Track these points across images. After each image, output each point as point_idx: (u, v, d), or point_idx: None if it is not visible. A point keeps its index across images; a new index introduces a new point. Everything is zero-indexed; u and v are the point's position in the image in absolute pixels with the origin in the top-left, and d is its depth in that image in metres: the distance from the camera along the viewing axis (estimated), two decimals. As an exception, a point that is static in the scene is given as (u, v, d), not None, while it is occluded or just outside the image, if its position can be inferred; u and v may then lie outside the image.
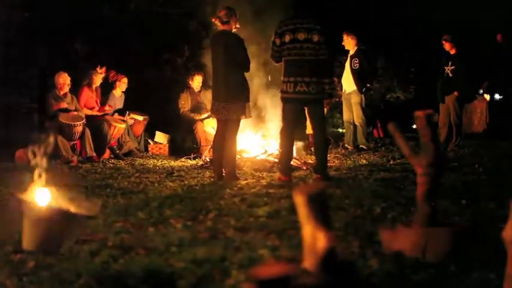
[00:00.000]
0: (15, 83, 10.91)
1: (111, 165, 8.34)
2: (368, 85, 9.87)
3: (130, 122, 10.11)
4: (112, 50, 12.07)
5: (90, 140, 8.87)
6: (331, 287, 2.08)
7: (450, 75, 9.45)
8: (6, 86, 10.42)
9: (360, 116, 9.72)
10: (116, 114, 9.88)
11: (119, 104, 10.18)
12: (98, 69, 9.63)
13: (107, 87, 10.10)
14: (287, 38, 6.09)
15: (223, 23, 6.41)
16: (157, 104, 12.38)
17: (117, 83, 10.08)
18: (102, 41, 12.04)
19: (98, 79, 9.59)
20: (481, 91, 11.63)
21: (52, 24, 11.24)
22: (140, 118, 10.30)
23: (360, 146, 9.74)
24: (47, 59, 11.37)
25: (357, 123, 9.83)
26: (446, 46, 9.57)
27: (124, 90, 10.22)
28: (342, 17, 12.46)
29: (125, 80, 10.16)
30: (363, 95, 9.73)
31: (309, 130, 9.75)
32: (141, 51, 12.83)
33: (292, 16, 6.27)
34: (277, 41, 6.17)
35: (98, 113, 9.50)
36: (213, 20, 6.53)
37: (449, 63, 9.48)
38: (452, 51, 9.51)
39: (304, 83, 6.02)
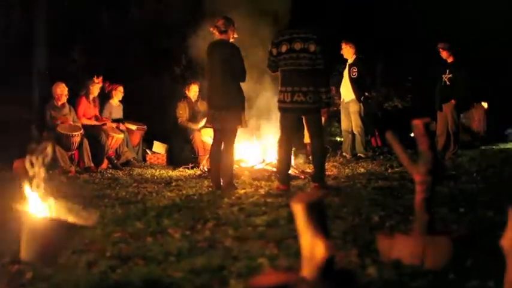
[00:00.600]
0: (14, 93, 10.91)
1: (109, 175, 8.33)
2: (366, 94, 9.87)
3: (123, 128, 10.09)
4: (110, 59, 12.11)
5: (88, 150, 8.88)
6: (329, 296, 2.08)
7: (448, 83, 9.47)
8: (5, 96, 10.42)
9: (359, 124, 9.74)
10: (110, 121, 9.86)
11: (118, 114, 10.18)
12: (95, 79, 9.62)
13: (104, 98, 10.10)
14: (284, 48, 6.10)
15: (221, 32, 6.43)
16: (155, 113, 12.39)
17: (113, 92, 10.09)
18: (101, 50, 12.08)
19: (95, 89, 9.60)
20: None
21: (51, 33, 11.27)
22: (133, 127, 10.30)
23: (358, 154, 9.75)
24: (46, 69, 11.38)
25: (355, 132, 9.85)
26: (443, 54, 9.59)
27: (120, 99, 10.22)
28: (340, 26, 12.50)
29: (121, 88, 10.17)
30: (361, 104, 9.75)
31: (307, 139, 9.76)
32: (139, 60, 12.86)
33: (289, 26, 6.29)
34: (274, 51, 6.19)
35: (97, 123, 9.50)
36: (211, 29, 6.54)
37: (447, 71, 9.50)
38: (450, 59, 9.54)
39: (302, 92, 6.03)
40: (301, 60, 6.07)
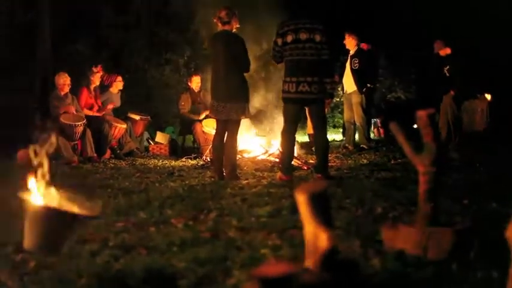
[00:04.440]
0: (17, 83, 10.93)
1: (112, 165, 8.34)
2: (369, 85, 9.82)
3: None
4: (113, 51, 12.11)
5: (91, 140, 8.88)
6: (333, 286, 2.07)
7: (447, 74, 9.49)
8: (8, 85, 10.44)
9: (361, 115, 9.73)
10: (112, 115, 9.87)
11: (116, 101, 10.16)
12: (94, 68, 9.60)
13: (103, 89, 10.08)
14: (289, 38, 6.08)
15: (224, 23, 6.42)
16: (158, 104, 12.39)
17: (114, 83, 10.07)
18: (104, 42, 12.08)
19: (96, 79, 9.58)
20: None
21: (54, 25, 11.26)
22: (137, 117, 10.30)
23: (361, 145, 9.75)
24: (49, 59, 11.38)
25: (357, 123, 9.84)
26: (442, 52, 9.64)
27: (121, 88, 10.21)
28: (344, 16, 12.48)
29: (120, 78, 10.17)
30: (363, 95, 9.73)
31: (310, 130, 9.76)
32: (143, 52, 12.87)
33: (294, 16, 6.26)
34: (279, 41, 6.17)
35: (98, 114, 9.48)
36: (214, 20, 6.53)
37: (446, 62, 9.54)
38: (447, 52, 9.56)
39: (307, 83, 6.01)
40: (306, 51, 6.05)
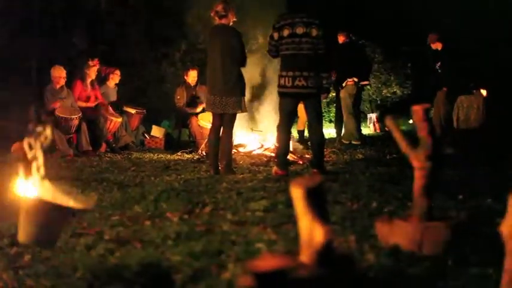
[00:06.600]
0: (13, 76, 10.88)
1: (108, 158, 8.33)
2: (350, 80, 9.75)
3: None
4: (110, 44, 12.07)
5: (87, 133, 8.86)
6: (327, 281, 2.07)
7: (439, 70, 9.53)
8: (3, 78, 10.39)
9: (345, 111, 9.81)
10: (110, 108, 9.83)
11: (113, 96, 10.14)
12: (90, 62, 9.56)
13: (99, 81, 10.06)
14: (285, 33, 6.07)
15: (220, 17, 6.40)
16: (154, 98, 12.37)
17: (111, 75, 10.06)
18: (100, 35, 12.04)
19: (91, 72, 9.53)
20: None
21: (50, 18, 11.22)
22: (132, 111, 10.28)
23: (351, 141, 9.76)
24: (45, 52, 11.34)
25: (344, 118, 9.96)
26: (434, 45, 9.67)
27: (117, 82, 10.20)
28: (341, 12, 12.47)
29: (118, 71, 10.16)
30: (341, 90, 9.77)
31: (300, 126, 9.77)
32: (139, 46, 12.83)
33: (291, 10, 6.26)
34: (275, 35, 6.16)
35: (91, 104, 9.41)
36: (211, 14, 6.51)
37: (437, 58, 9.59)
38: (439, 47, 9.59)
39: (303, 77, 6.00)
40: (303, 45, 6.04)
